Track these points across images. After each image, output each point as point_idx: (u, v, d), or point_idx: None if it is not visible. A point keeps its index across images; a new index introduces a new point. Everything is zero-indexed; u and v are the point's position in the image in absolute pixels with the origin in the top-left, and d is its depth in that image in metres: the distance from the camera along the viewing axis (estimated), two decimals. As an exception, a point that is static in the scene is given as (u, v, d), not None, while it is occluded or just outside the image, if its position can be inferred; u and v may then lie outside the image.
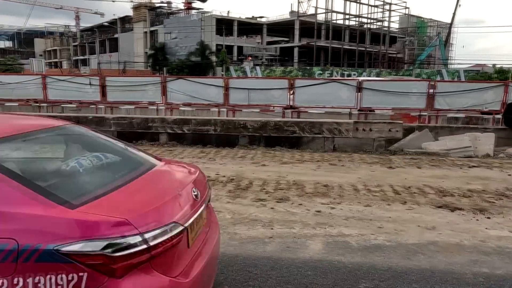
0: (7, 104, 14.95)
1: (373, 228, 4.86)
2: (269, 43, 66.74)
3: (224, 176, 7.24)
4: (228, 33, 57.37)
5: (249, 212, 5.37)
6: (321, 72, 46.44)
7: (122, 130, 11.00)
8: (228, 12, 62.28)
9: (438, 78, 39.69)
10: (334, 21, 61.13)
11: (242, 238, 4.53)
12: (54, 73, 32.36)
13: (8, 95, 15.18)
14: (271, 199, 5.94)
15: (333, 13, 60.80)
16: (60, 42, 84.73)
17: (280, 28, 62.27)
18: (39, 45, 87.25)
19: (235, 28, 59.36)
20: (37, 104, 14.82)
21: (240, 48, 60.41)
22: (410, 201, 5.93)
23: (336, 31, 58.80)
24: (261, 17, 66.59)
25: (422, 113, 13.40)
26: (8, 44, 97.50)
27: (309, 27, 56.36)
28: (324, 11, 59.77)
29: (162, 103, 14.58)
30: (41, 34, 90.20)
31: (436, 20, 68.50)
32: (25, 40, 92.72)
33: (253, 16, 66.30)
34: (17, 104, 14.90)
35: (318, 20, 58.61)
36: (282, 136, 10.32)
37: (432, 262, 3.99)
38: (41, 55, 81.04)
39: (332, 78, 32.16)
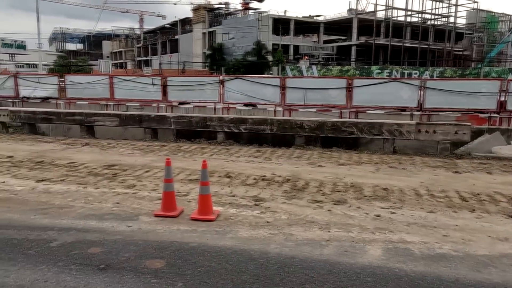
0: (78, 102, 16.04)
1: (438, 236, 4.60)
2: (326, 41, 65.73)
3: (280, 176, 7.24)
4: (284, 33, 57.29)
5: (306, 214, 5.32)
6: (379, 71, 44.90)
7: (181, 129, 11.38)
8: (285, 11, 62.23)
9: (511, 77, 36.79)
10: (395, 18, 58.82)
11: (298, 239, 4.49)
12: (120, 74, 34.26)
13: (80, 94, 16.29)
14: (328, 201, 5.84)
15: (393, 10, 58.53)
16: (125, 44, 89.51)
17: (338, 27, 61.07)
18: (107, 47, 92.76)
19: (292, 27, 59.12)
20: (105, 103, 15.76)
21: (296, 47, 60.08)
22: (479, 209, 5.54)
23: (397, 28, 56.50)
24: (318, 15, 65.81)
25: (492, 115, 12.49)
26: (79, 46, 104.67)
27: (368, 25, 54.69)
28: (384, 8, 57.73)
29: (220, 102, 14.87)
30: (108, 36, 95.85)
31: (508, 15, 63.52)
32: (94, 43, 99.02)
33: (310, 15, 65.69)
34: (87, 102, 15.93)
35: (377, 18, 56.71)
36: (340, 137, 10.11)
37: (506, 277, 3.70)
38: (108, 57, 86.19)
39: (392, 77, 30.94)
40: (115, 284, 3.50)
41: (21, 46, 61.96)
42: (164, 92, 15.55)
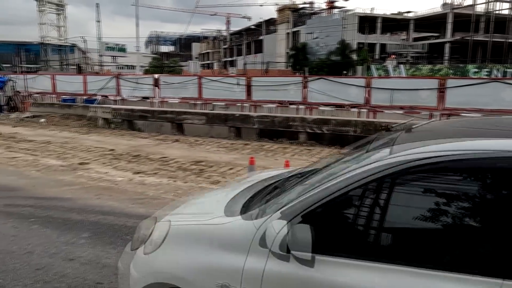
0: (170, 101, 17.18)
1: None
2: (415, 39, 62.04)
3: (363, 180, 7.04)
4: (371, 31, 55.27)
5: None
6: (477, 70, 41.21)
7: (264, 128, 11.61)
8: (372, 9, 60.04)
9: None
10: (497, 12, 53.45)
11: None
12: (207, 74, 35.95)
13: (171, 93, 17.44)
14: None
15: (496, 3, 53.23)
16: (212, 45, 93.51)
17: (430, 23, 57.22)
18: (196, 48, 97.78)
19: (379, 25, 56.81)
20: (193, 102, 16.66)
21: (383, 46, 57.62)
22: None
23: (498, 23, 51.32)
24: (408, 12, 62.33)
25: None
26: (171, 48, 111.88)
27: (464, 20, 50.44)
28: (484, 0, 52.77)
29: (302, 102, 14.88)
30: (197, 38, 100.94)
31: None
32: (184, 45, 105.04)
33: (399, 12, 62.53)
34: (178, 101, 17.00)
35: (476, 12, 52.04)
36: (429, 141, 9.52)
37: None
38: (196, 58, 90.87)
39: (493, 77, 28.23)
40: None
41: (122, 49, 67.94)
42: (249, 92, 15.98)
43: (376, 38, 57.49)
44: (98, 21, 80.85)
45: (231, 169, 7.92)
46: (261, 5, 78.76)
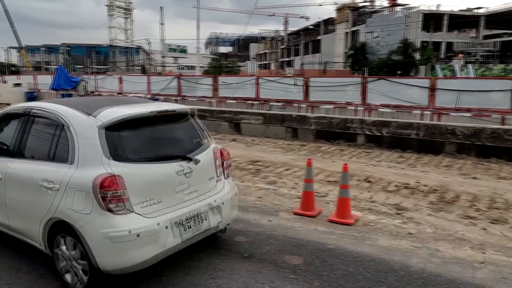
0: (228, 101, 17.55)
1: None
2: (486, 37, 57.96)
3: (425, 185, 6.73)
4: (436, 29, 52.49)
5: (455, 229, 4.85)
6: (557, 69, 37.62)
7: (321, 129, 11.47)
8: (438, 5, 56.94)
9: None
10: None
11: (445, 256, 4.13)
12: (264, 74, 36.18)
13: (230, 93, 17.80)
14: (483, 218, 5.21)
15: None
16: (270, 46, 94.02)
17: (502, 19, 53.17)
18: (253, 49, 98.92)
19: (445, 22, 53.77)
20: (251, 102, 16.89)
21: (449, 44, 54.50)
22: None
23: None
24: (478, 8, 58.40)
25: None
26: (230, 49, 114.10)
27: (545, 15, 46.23)
28: None
29: (361, 104, 14.50)
30: (255, 39, 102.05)
31: None
32: (242, 45, 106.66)
33: (468, 8, 58.74)
34: (235, 101, 17.32)
35: (558, 6, 47.50)
36: (500, 146, 8.85)
37: None
38: (254, 58, 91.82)
39: None
40: (256, 274, 3.77)
41: (183, 50, 70.47)
42: (306, 93, 15.88)
43: (442, 36, 54.49)
44: (162, 24, 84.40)
45: (287, 169, 7.92)
46: (320, 5, 77.65)
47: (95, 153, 3.25)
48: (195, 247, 4.29)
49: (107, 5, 76.90)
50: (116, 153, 3.29)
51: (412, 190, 6.50)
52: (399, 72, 38.13)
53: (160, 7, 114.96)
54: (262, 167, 8.09)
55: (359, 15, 67.65)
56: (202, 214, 3.72)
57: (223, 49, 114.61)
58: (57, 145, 3.52)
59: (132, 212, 3.20)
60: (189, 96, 19.22)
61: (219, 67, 64.71)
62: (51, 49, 77.24)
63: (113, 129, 3.35)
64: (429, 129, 9.70)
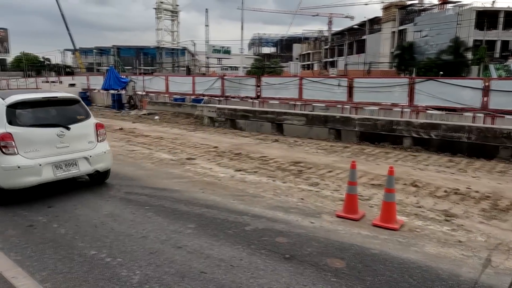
0: (271, 101, 17.58)
1: None
2: (547, 35, 54.09)
3: (476, 192, 6.39)
4: (490, 27, 49.73)
5: (509, 239, 4.57)
6: None
7: (365, 131, 11.22)
8: (493, 2, 53.95)
9: None
10: None
11: (499, 268, 3.91)
12: (307, 75, 35.89)
13: (272, 94, 17.83)
14: (542, 229, 4.87)
15: None
16: (313, 46, 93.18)
17: None
18: (296, 49, 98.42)
19: (501, 20, 50.81)
20: (293, 103, 16.82)
21: (505, 43, 51.43)
22: None
23: None
24: (539, 3, 54.57)
25: None
26: (273, 49, 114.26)
27: None
28: None
29: (408, 105, 14.03)
30: (298, 39, 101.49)
31: None
32: (285, 46, 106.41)
33: (527, 4, 55.07)
34: (278, 102, 17.32)
35: None
36: (562, 152, 8.25)
37: None
38: (297, 59, 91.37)
39: None
40: (298, 275, 3.75)
41: (227, 51, 71.40)
42: (350, 93, 15.59)
43: (497, 35, 51.53)
44: (207, 25, 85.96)
45: (330, 171, 7.81)
46: (366, 4, 76.13)
47: (1, 120, 5.61)
48: (237, 245, 4.35)
49: (155, 8, 79.56)
50: (12, 121, 5.65)
51: (463, 196, 6.20)
52: (441, 72, 36.39)
53: (206, 9, 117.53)
54: (305, 169, 8.03)
55: (407, 13, 65.47)
56: (74, 161, 6.05)
57: (266, 50, 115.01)
58: None
59: (18, 154, 5.56)
60: (232, 97, 19.45)
61: (262, 67, 64.96)
62: (102, 51, 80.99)
63: (13, 107, 5.74)
64: (482, 133, 9.21)
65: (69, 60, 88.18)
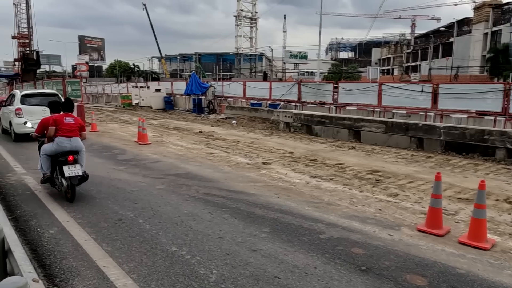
0: (348, 108, 17.18)
1: None
2: None
3: None
4: None
5: None
6: None
7: (451, 140, 10.48)
8: None
9: None
10: None
11: None
12: (386, 80, 34.46)
13: (350, 100, 17.40)
14: None
15: None
16: (394, 50, 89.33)
17: None
18: (375, 54, 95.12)
19: None
20: (372, 109, 16.25)
21: None
22: None
23: None
24: None
25: None
26: (351, 54, 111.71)
27: None
28: None
29: (502, 114, 12.80)
30: (378, 43, 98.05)
31: None
32: (364, 50, 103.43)
33: None
34: (355, 108, 16.87)
35: None
36: None
37: None
38: (376, 63, 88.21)
39: None
40: (375, 289, 3.61)
41: (304, 57, 71.23)
42: (434, 100, 14.66)
43: None
44: (284, 31, 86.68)
45: (410, 182, 7.41)
46: (455, 4, 71.02)
47: (17, 101, 13.12)
48: (311, 253, 4.31)
49: (235, 16, 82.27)
50: (22, 102, 13.08)
51: None
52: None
53: (284, 15, 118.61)
54: (383, 178, 7.72)
55: (502, 13, 59.95)
56: None
57: (344, 55, 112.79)
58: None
59: (23, 117, 11.14)
60: (309, 102, 19.35)
61: (339, 72, 63.77)
62: (185, 58, 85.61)
63: (23, 96, 13.35)
64: None
65: (155, 66, 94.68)
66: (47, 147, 6.39)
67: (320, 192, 6.75)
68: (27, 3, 45.29)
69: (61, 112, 6.66)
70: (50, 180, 6.42)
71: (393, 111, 15.58)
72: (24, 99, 13.04)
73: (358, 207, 5.96)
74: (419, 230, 4.98)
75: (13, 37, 47.63)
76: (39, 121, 6.75)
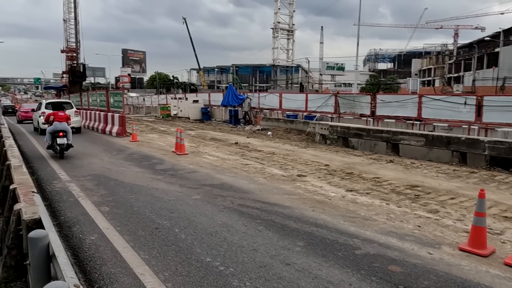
0: (386, 120, 16.82)
1: None
2: None
3: None
4: None
5: None
6: None
7: (497, 155, 9.99)
8: None
9: None
10: None
11: None
12: (427, 92, 33.41)
13: (388, 112, 17.03)
14: None
15: None
16: (435, 61, 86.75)
17: None
18: (416, 65, 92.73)
19: None
20: (411, 122, 15.81)
21: None
22: None
23: None
24: None
25: None
26: (389, 65, 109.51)
27: None
28: None
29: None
30: (418, 54, 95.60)
31: None
32: (403, 61, 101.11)
33: None
34: (393, 120, 16.48)
35: None
36: None
37: None
38: (416, 74, 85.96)
39: None
40: (413, 309, 3.47)
41: (341, 68, 70.54)
42: (478, 113, 14.08)
43: None
44: (321, 43, 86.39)
45: (452, 198, 7.12)
46: (501, 13, 68.20)
47: (42, 107, 18.74)
48: (346, 269, 4.22)
49: (272, 28, 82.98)
50: (46, 108, 18.14)
51: None
52: None
53: (321, 26, 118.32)
54: (422, 193, 7.46)
55: (554, 21, 56.81)
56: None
57: (382, 66, 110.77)
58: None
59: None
60: (346, 114, 19.11)
61: (377, 84, 62.62)
62: (222, 70, 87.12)
63: (47, 104, 19.18)
64: None
65: (194, 78, 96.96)
66: (49, 128, 11.53)
67: (356, 206, 6.62)
68: (75, 19, 47.82)
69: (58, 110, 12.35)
70: (51, 147, 11.62)
71: (434, 124, 15.10)
72: (47, 105, 18.81)
73: (396, 223, 5.79)
74: (461, 250, 4.76)
75: (62, 51, 50.35)
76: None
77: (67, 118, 11.87)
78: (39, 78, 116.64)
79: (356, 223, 5.74)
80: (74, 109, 19.71)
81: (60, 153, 11.28)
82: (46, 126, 12.16)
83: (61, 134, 11.30)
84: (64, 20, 49.01)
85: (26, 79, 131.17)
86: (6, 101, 59.72)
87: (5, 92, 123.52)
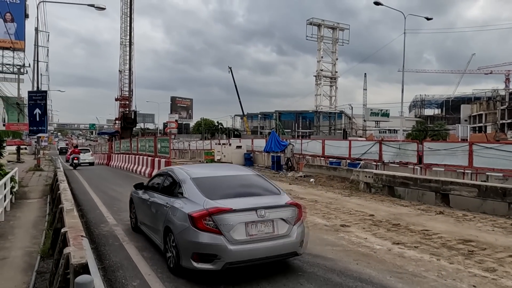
0: (434, 168, 16.17)
1: None
2: None
3: None
4: None
5: None
6: None
7: (560, 209, 9.22)
8: None
9: None
10: None
11: None
12: (478, 139, 31.96)
13: (437, 160, 16.38)
14: None
15: None
16: (486, 107, 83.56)
17: None
18: (465, 110, 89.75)
19: None
20: (462, 171, 15.09)
21: None
22: None
23: None
24: None
25: None
26: (437, 111, 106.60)
27: None
28: None
29: None
30: (467, 100, 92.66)
31: None
32: (452, 107, 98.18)
33: None
34: (443, 169, 15.81)
35: None
36: None
37: None
38: (466, 120, 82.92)
39: None
40: None
41: (385, 114, 69.49)
42: (537, 162, 13.23)
43: None
44: (365, 89, 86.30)
45: (511, 256, 6.58)
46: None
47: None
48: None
49: (315, 76, 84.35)
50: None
51: None
52: None
53: (364, 73, 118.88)
54: (477, 249, 6.96)
55: None
56: None
57: (429, 112, 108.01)
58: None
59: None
60: (391, 162, 18.60)
61: (424, 130, 60.93)
62: (266, 116, 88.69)
63: (74, 147, 35.22)
64: None
65: (237, 124, 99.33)
66: (71, 156, 28.24)
67: (403, 261, 6.27)
68: (129, 70, 51.27)
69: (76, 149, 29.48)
70: (71, 164, 27.59)
71: (487, 173, 14.32)
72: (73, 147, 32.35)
73: (448, 281, 5.41)
74: (524, 315, 4.34)
75: (116, 99, 53.68)
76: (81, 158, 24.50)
77: (79, 152, 28.66)
78: (94, 124, 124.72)
79: (404, 280, 5.42)
80: (91, 152, 35.87)
81: (74, 166, 26.64)
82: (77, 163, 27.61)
83: (75, 158, 27.19)
84: (119, 71, 52.64)
85: (82, 124, 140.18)
86: (63, 144, 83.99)
87: (63, 137, 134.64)
